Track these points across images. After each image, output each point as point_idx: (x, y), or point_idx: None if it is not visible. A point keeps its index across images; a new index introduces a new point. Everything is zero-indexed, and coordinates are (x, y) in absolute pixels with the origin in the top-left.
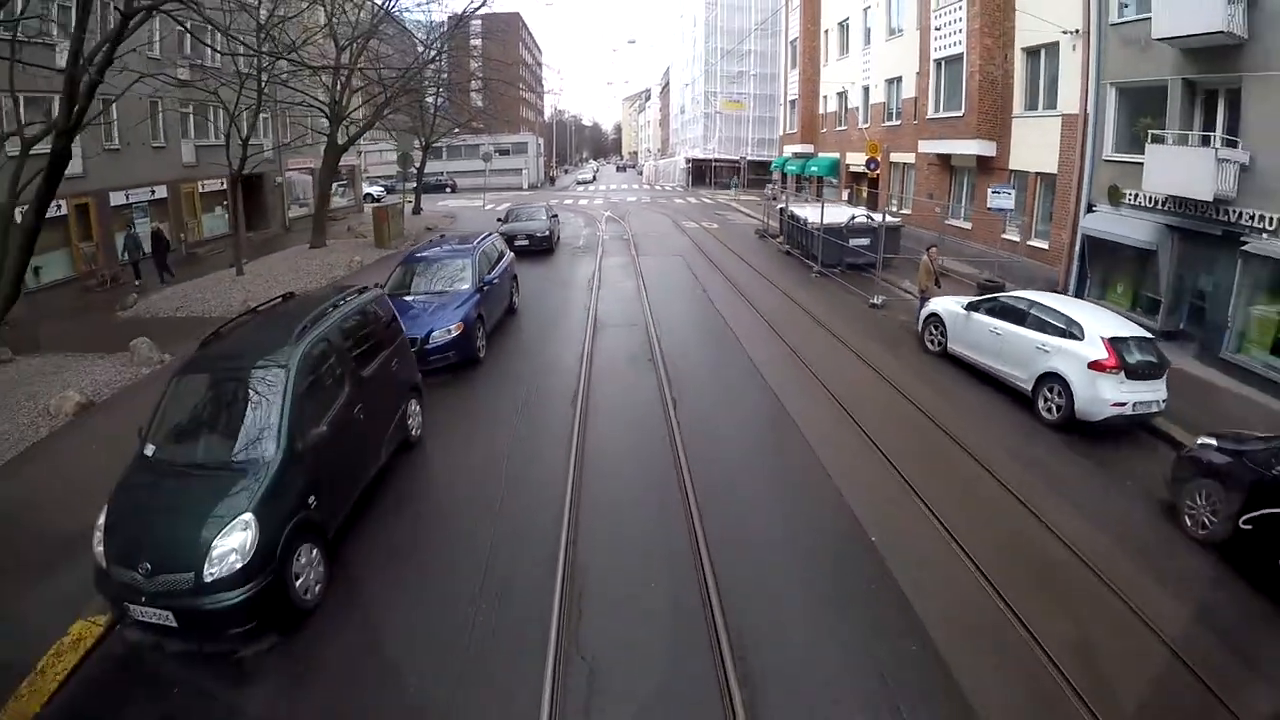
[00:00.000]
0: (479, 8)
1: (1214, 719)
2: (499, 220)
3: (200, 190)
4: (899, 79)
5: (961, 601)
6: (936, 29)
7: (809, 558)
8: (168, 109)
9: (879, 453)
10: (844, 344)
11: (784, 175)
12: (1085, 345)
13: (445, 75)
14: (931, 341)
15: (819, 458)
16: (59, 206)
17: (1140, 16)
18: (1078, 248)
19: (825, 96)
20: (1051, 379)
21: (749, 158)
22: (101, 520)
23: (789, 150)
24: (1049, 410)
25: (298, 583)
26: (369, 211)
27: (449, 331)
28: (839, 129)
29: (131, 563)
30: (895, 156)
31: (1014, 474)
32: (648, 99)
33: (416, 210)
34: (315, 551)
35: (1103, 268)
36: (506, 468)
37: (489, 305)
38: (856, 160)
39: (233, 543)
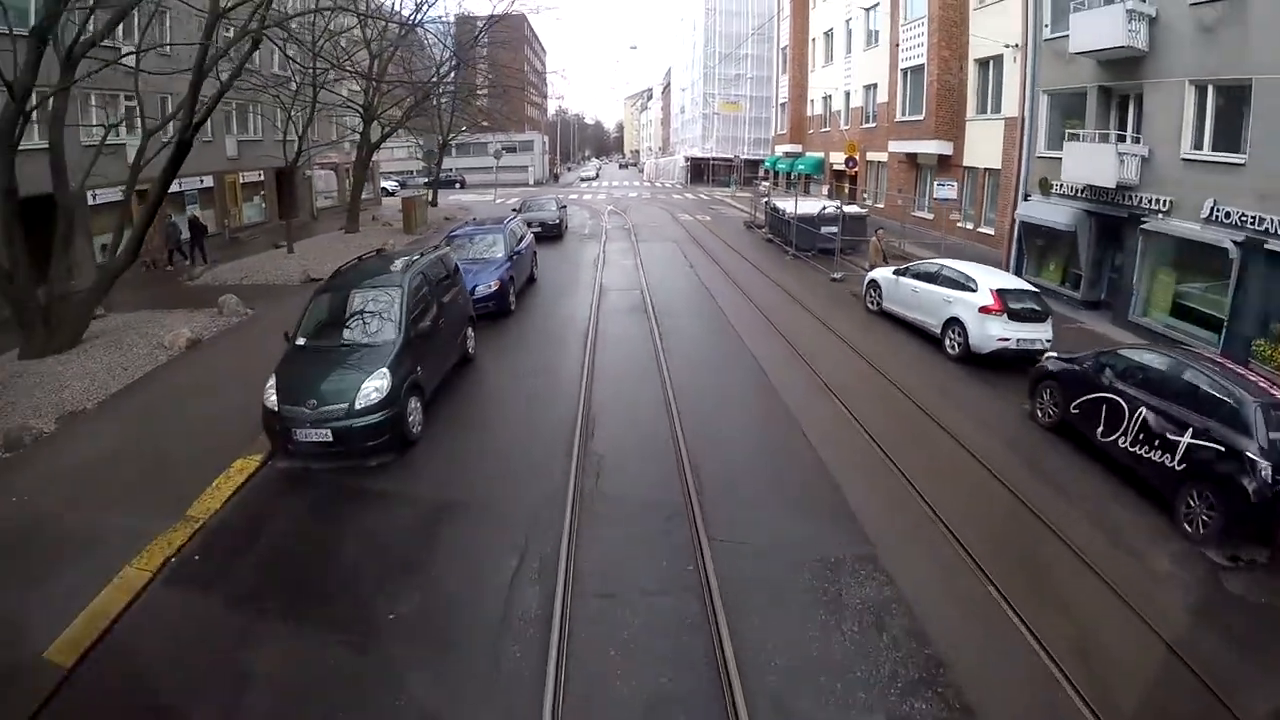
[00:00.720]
0: (504, 12)
1: (1021, 514)
2: (514, 210)
3: (241, 181)
4: (875, 85)
5: (856, 453)
6: (898, 44)
7: (748, 417)
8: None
9: (815, 374)
10: (803, 306)
11: (775, 173)
12: (978, 295)
13: (453, 84)
14: (871, 302)
15: (768, 376)
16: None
17: (1064, 34)
18: (1016, 232)
19: (812, 100)
20: (953, 322)
21: (745, 157)
22: (272, 382)
23: (780, 150)
24: (952, 347)
25: (409, 420)
26: (385, 204)
27: (489, 287)
28: (824, 130)
29: (300, 401)
30: (871, 155)
31: (918, 390)
32: (649, 98)
33: (433, 203)
34: (418, 403)
35: (1037, 249)
36: (542, 368)
37: (517, 270)
38: (839, 159)
39: (374, 384)
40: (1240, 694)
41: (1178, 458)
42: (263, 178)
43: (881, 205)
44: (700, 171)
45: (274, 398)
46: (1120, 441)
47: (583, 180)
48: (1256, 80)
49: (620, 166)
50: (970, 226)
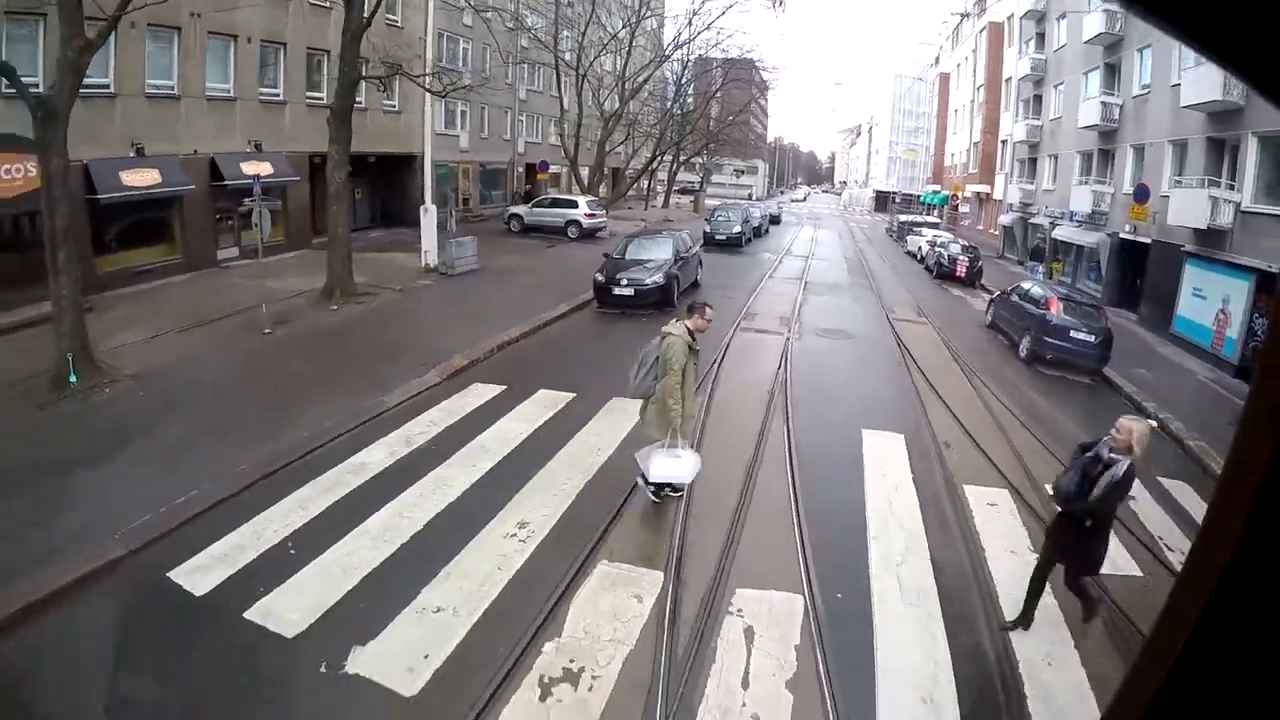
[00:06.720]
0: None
1: (891, 275)
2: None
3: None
4: (969, 150)
5: (860, 272)
6: (971, 128)
7: (833, 255)
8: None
9: (862, 257)
10: (876, 248)
11: (923, 204)
12: (927, 237)
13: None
14: (903, 248)
15: (849, 262)
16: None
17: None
18: (1000, 230)
19: (946, 155)
20: (919, 245)
21: (914, 192)
22: (707, 223)
23: (929, 188)
24: (915, 254)
25: (750, 234)
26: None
27: (761, 223)
28: (950, 176)
29: (718, 226)
30: (966, 193)
31: (897, 264)
32: (858, 135)
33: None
34: (756, 230)
35: (1009, 238)
36: (779, 244)
37: (762, 222)
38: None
39: (738, 225)
40: (875, 250)
41: (920, 251)
42: (607, 172)
43: (967, 222)
44: (883, 201)
45: (708, 228)
46: (920, 253)
47: (792, 201)
48: (1061, 154)
49: (823, 192)
50: (995, 231)
